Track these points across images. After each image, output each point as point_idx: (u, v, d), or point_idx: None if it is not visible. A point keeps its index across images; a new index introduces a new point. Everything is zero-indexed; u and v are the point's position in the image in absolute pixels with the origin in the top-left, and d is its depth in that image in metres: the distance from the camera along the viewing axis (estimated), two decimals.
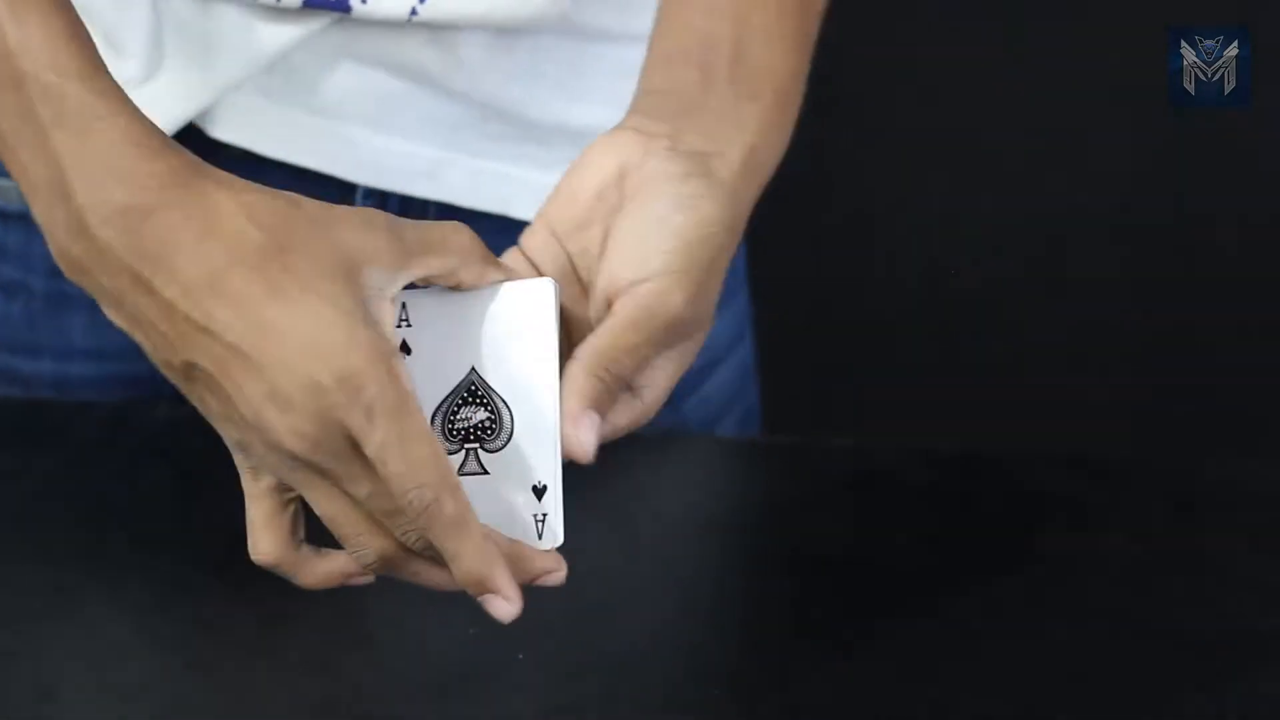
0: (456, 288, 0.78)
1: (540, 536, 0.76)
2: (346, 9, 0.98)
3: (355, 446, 0.72)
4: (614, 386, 0.76)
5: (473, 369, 0.77)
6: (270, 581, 0.87)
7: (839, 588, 0.91)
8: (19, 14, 0.76)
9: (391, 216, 0.76)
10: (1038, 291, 1.90)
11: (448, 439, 0.77)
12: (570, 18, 1.00)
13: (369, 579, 0.77)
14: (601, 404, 0.76)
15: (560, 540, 0.76)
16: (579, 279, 0.80)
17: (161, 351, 0.75)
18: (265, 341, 0.72)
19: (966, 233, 1.89)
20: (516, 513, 0.76)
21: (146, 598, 0.85)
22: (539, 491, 0.76)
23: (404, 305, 0.77)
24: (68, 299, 1.05)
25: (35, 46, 0.76)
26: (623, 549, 0.80)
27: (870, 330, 1.93)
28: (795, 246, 1.78)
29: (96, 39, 0.98)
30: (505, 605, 0.75)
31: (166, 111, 1.00)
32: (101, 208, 0.74)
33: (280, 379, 0.72)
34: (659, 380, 0.79)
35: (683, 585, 0.91)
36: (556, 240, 0.80)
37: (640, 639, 0.87)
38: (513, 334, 0.77)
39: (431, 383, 0.77)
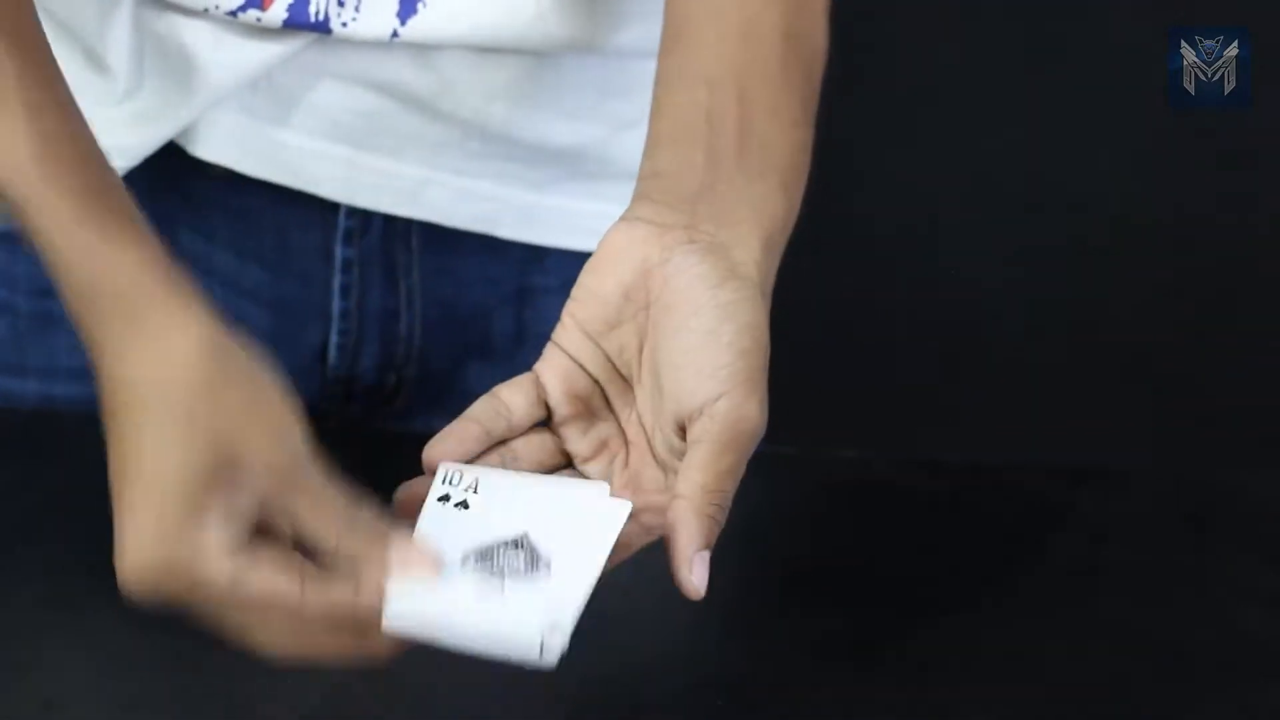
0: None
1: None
2: (327, 30, 0.97)
3: None
4: (719, 517, 0.76)
5: (526, 535, 0.76)
6: None
7: (843, 599, 0.91)
8: None
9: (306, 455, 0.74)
10: (1038, 296, 1.90)
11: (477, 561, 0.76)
12: (552, 36, 0.99)
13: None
14: (711, 538, 0.76)
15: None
16: (620, 375, 0.81)
17: None
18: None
19: (966, 236, 1.89)
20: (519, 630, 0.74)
21: (149, 609, 0.85)
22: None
23: (477, 480, 0.77)
24: (53, 318, 1.04)
25: None
26: (625, 561, 0.79)
27: (871, 339, 1.93)
28: (794, 253, 1.77)
29: (79, 56, 0.98)
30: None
31: (148, 129, 0.99)
32: None
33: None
34: None
35: (686, 597, 0.91)
36: (591, 340, 0.80)
37: (643, 650, 0.86)
38: (574, 529, 0.76)
39: (476, 532, 0.76)
